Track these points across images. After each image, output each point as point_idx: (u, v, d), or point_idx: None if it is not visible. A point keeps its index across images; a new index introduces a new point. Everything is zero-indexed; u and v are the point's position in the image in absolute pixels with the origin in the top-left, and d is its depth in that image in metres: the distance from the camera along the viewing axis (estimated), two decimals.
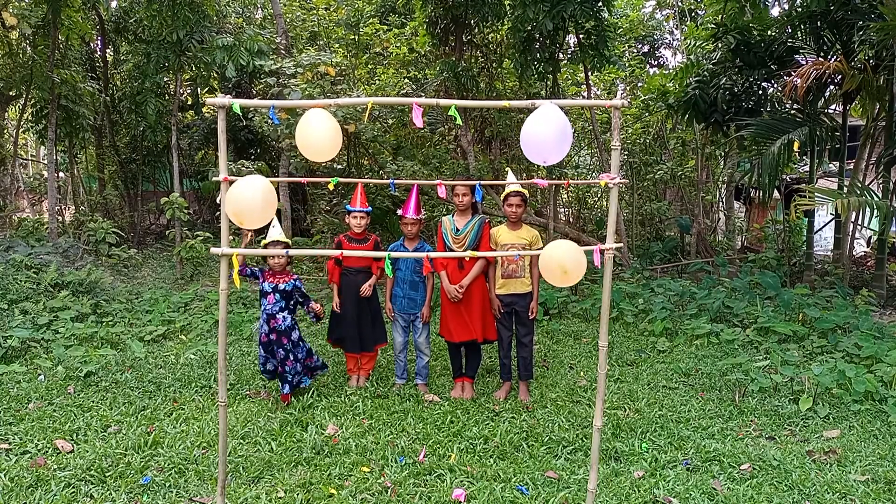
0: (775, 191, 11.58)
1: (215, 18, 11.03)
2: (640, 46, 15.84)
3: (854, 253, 10.99)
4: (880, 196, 8.30)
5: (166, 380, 5.37)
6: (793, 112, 9.03)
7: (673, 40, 16.03)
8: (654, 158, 13.46)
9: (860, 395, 4.91)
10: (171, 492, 3.59)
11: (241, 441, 4.21)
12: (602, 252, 2.73)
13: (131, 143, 14.31)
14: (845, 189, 8.30)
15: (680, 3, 14.19)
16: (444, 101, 2.69)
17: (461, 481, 3.73)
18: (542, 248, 2.76)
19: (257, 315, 6.71)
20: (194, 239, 9.66)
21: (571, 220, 15.23)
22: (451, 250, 4.98)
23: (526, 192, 5.04)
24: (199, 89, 14.73)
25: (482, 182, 5.09)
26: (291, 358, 4.80)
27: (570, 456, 4.10)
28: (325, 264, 6.65)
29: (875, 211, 7.52)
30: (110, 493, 3.55)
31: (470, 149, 10.86)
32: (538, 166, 12.95)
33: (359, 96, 9.84)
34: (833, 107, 10.09)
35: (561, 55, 10.17)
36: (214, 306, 7.75)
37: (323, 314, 5.04)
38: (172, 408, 4.78)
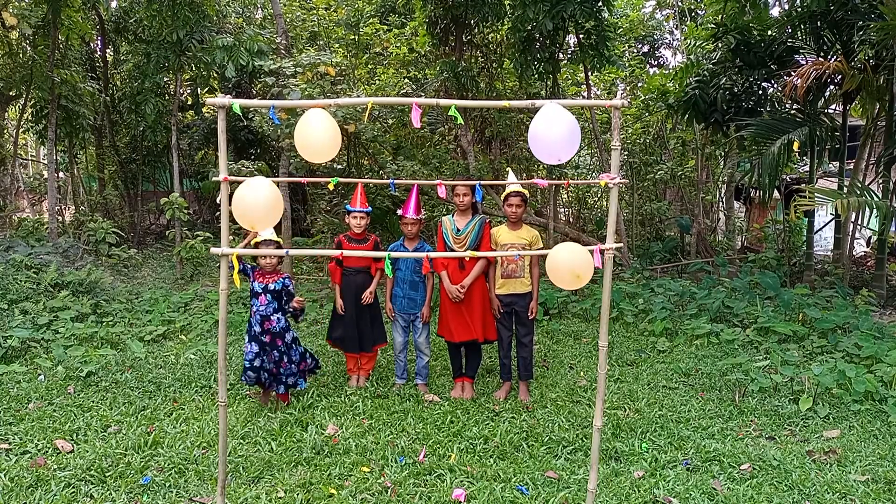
0: (775, 191, 11.58)
1: (215, 18, 11.03)
2: (640, 46, 15.84)
3: (854, 253, 10.99)
4: (880, 196, 8.30)
5: (166, 380, 5.37)
6: (793, 112, 9.03)
7: (673, 40, 16.02)
8: (654, 158, 13.46)
9: (860, 395, 4.91)
10: (171, 492, 3.59)
11: (241, 441, 4.22)
12: (602, 252, 2.73)
13: (131, 143, 14.30)
14: (845, 189, 8.30)
15: (680, 3, 14.19)
16: (444, 101, 2.69)
17: (461, 481, 3.73)
18: (542, 248, 2.76)
19: None
20: (194, 239, 9.66)
21: (571, 220, 15.23)
22: (452, 250, 4.98)
23: (526, 192, 5.03)
24: (199, 89, 14.73)
25: (482, 182, 5.10)
26: (286, 360, 4.74)
27: (570, 456, 4.10)
28: (326, 265, 6.64)
29: (875, 211, 7.52)
30: (110, 493, 3.55)
31: (470, 149, 10.86)
32: (538, 166, 12.98)
33: (359, 96, 9.84)
34: (833, 107, 10.08)
35: (561, 55, 10.17)
36: (214, 306, 7.75)
37: (302, 310, 4.90)
38: (172, 408, 4.78)
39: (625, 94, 14.61)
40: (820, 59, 8.24)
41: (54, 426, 4.37)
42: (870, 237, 12.53)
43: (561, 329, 7.23)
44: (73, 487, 3.60)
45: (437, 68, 10.44)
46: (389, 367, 5.70)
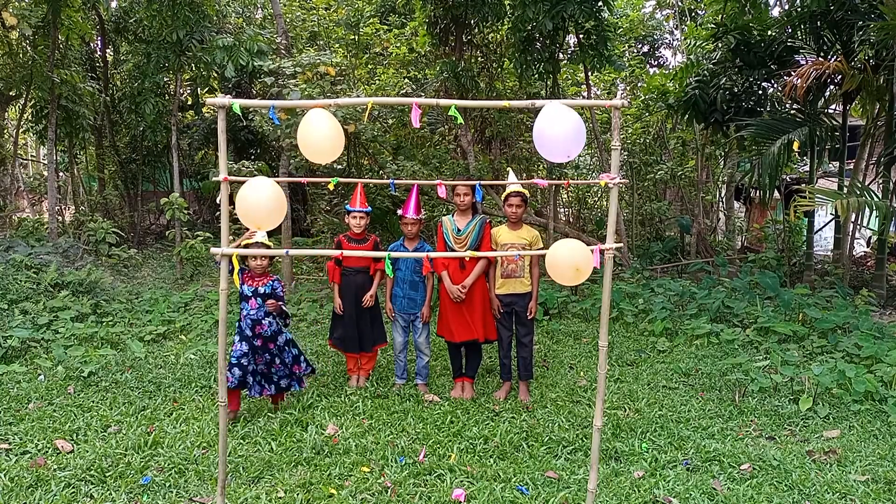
0: (775, 191, 11.58)
1: (215, 18, 11.03)
2: (640, 46, 15.83)
3: (854, 253, 10.99)
4: (880, 196, 8.30)
5: (166, 380, 5.37)
6: (793, 112, 9.03)
7: (673, 40, 16.02)
8: (654, 158, 13.46)
9: (860, 395, 4.91)
10: (171, 492, 3.59)
11: (241, 441, 4.22)
12: (602, 252, 2.73)
13: (131, 143, 14.31)
14: (845, 189, 8.30)
15: (680, 3, 14.18)
16: (444, 101, 2.69)
17: (461, 481, 3.73)
18: (542, 249, 2.76)
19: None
20: (194, 239, 9.66)
21: (571, 220, 15.23)
22: (453, 250, 4.98)
23: (526, 192, 5.03)
24: (199, 89, 14.73)
25: (482, 182, 5.10)
26: (278, 361, 4.68)
27: (570, 456, 4.10)
28: (326, 264, 6.63)
29: (875, 211, 7.52)
30: (110, 493, 3.55)
31: (470, 149, 10.85)
32: (538, 166, 12.99)
33: (359, 96, 9.84)
34: (833, 107, 10.08)
35: (561, 55, 10.16)
36: (214, 306, 7.74)
37: (286, 314, 4.76)
38: (172, 408, 4.78)
39: (625, 94, 14.62)
40: (820, 59, 8.24)
41: (54, 426, 4.37)
42: (870, 237, 12.53)
43: (561, 329, 7.23)
44: (73, 487, 3.60)
45: (437, 68, 10.44)
46: (389, 367, 5.70)
